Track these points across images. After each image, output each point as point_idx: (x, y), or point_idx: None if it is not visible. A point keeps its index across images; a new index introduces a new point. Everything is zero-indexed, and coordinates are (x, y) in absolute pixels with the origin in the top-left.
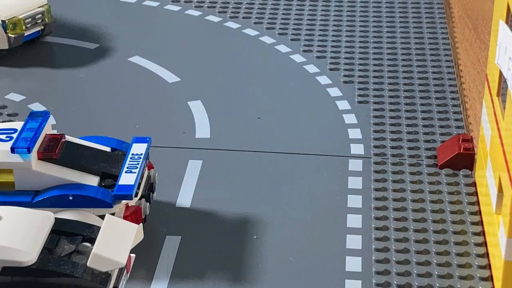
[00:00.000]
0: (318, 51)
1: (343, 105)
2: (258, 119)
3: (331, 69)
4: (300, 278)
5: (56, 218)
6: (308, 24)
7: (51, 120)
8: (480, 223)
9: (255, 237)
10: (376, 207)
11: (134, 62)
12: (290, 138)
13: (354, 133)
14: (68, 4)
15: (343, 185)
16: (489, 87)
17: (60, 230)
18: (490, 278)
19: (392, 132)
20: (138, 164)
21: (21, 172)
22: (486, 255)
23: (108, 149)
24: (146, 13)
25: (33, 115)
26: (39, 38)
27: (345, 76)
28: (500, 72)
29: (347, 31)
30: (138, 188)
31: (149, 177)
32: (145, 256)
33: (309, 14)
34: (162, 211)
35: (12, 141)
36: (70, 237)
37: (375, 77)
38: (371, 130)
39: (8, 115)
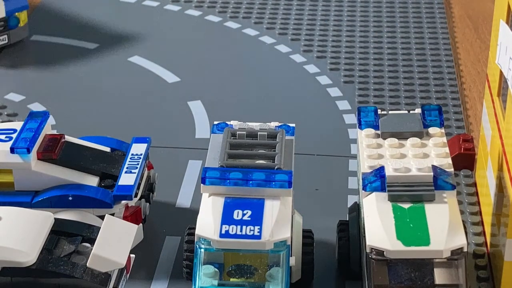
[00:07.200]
0: (318, 51)
1: (343, 105)
2: (258, 118)
3: (331, 69)
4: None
5: (55, 219)
6: (308, 24)
7: (51, 120)
8: (481, 223)
9: None
10: None
11: (134, 62)
12: None
13: (354, 133)
14: (68, 3)
15: (343, 185)
16: (489, 87)
17: (59, 230)
18: (490, 279)
19: None
20: (137, 164)
21: (20, 172)
22: (487, 255)
23: (108, 149)
24: (146, 13)
25: (32, 115)
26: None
27: (345, 76)
28: (501, 72)
29: (347, 31)
30: (138, 188)
31: (148, 177)
32: (145, 256)
33: (309, 14)
34: (162, 211)
35: (11, 141)
36: (69, 238)
37: (375, 77)
38: None
39: (8, 115)
